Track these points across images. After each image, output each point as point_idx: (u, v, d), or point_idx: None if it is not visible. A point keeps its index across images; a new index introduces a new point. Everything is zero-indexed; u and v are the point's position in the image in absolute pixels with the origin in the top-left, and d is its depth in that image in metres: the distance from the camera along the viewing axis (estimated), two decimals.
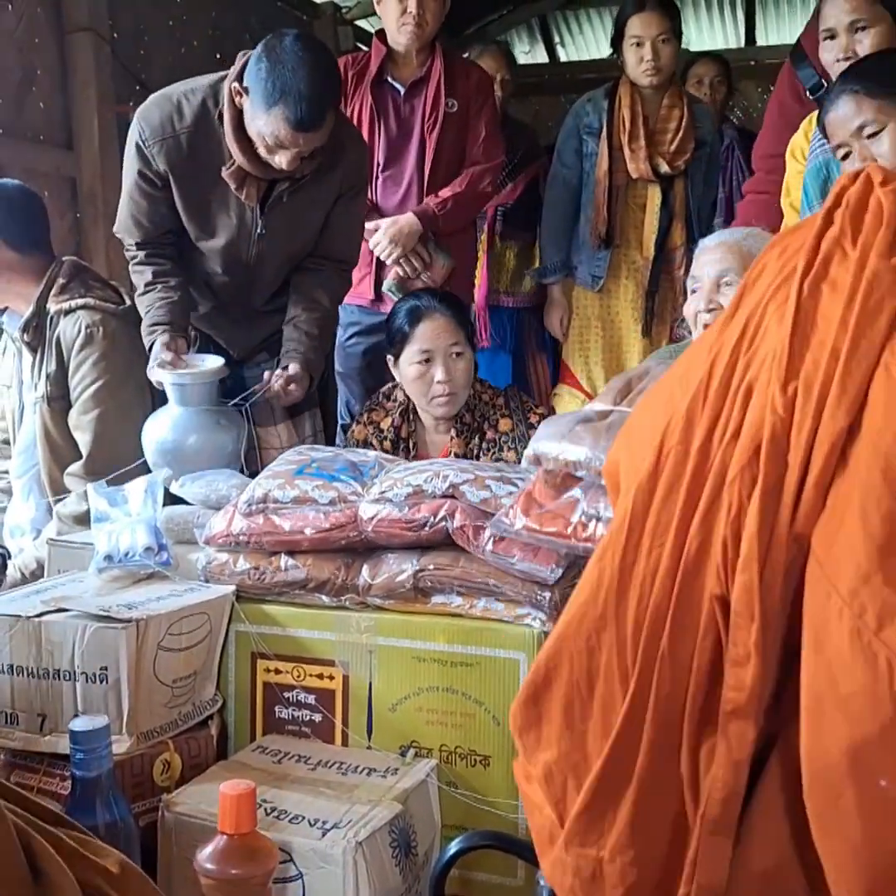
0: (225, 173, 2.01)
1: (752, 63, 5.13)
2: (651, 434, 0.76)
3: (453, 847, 0.99)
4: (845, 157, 1.70)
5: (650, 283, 3.01)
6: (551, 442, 1.15)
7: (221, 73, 2.04)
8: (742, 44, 5.60)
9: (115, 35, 3.32)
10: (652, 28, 2.88)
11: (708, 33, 5.63)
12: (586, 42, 5.84)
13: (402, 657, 1.25)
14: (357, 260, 2.40)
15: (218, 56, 3.75)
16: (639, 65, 2.90)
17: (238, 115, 1.96)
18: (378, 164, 2.72)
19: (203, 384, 1.96)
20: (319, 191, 2.13)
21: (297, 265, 2.25)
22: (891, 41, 2.09)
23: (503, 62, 3.47)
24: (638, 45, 2.89)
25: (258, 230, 2.11)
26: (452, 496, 1.27)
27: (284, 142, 1.90)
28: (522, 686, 0.79)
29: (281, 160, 1.94)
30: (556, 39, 5.86)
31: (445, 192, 2.68)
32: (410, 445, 2.11)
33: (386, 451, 2.03)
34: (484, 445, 2.05)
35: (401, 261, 2.65)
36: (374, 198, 2.74)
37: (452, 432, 2.08)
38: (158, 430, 1.95)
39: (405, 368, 2.10)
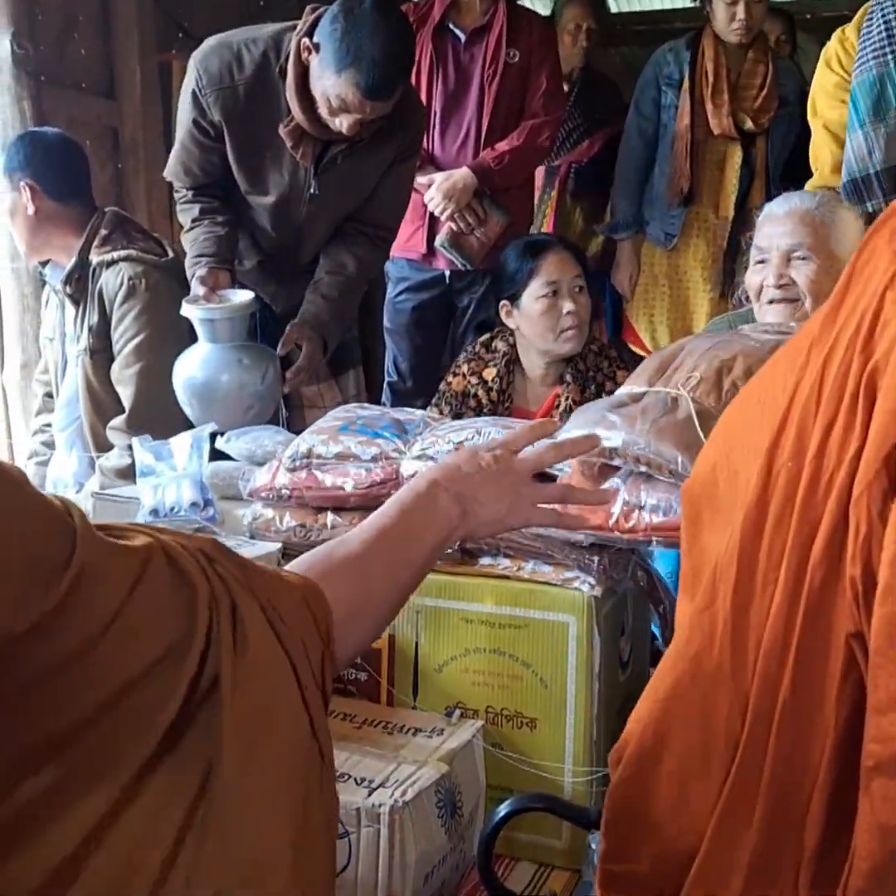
0: (282, 130, 2.04)
1: (808, 16, 5.00)
2: (753, 447, 0.70)
3: (503, 809, 1.03)
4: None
5: (729, 243, 3.00)
6: (584, 430, 1.15)
7: (285, 24, 2.06)
8: None
9: None
10: None
11: None
12: None
13: (449, 618, 1.29)
14: (397, 228, 2.43)
15: (262, 3, 3.77)
16: (731, 22, 2.90)
17: (303, 71, 1.98)
18: (435, 113, 2.74)
19: (230, 319, 1.98)
20: (374, 156, 2.16)
21: (338, 229, 2.28)
22: None
23: (590, 10, 3.44)
24: (732, 2, 2.88)
25: (310, 190, 2.15)
26: None
27: (350, 106, 1.92)
28: (619, 764, 0.72)
29: (342, 123, 1.96)
30: None
31: (502, 146, 2.70)
32: (508, 402, 2.16)
33: (491, 403, 2.11)
34: (605, 394, 2.06)
35: (455, 216, 2.67)
36: (429, 148, 2.77)
37: (568, 377, 2.11)
38: (187, 368, 1.99)
39: (529, 306, 2.12)
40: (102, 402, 2.19)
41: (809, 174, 2.67)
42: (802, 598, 0.63)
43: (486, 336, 2.26)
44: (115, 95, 3.27)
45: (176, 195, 2.27)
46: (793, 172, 3.04)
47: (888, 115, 2.05)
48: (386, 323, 2.88)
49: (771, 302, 1.69)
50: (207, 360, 1.98)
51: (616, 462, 1.13)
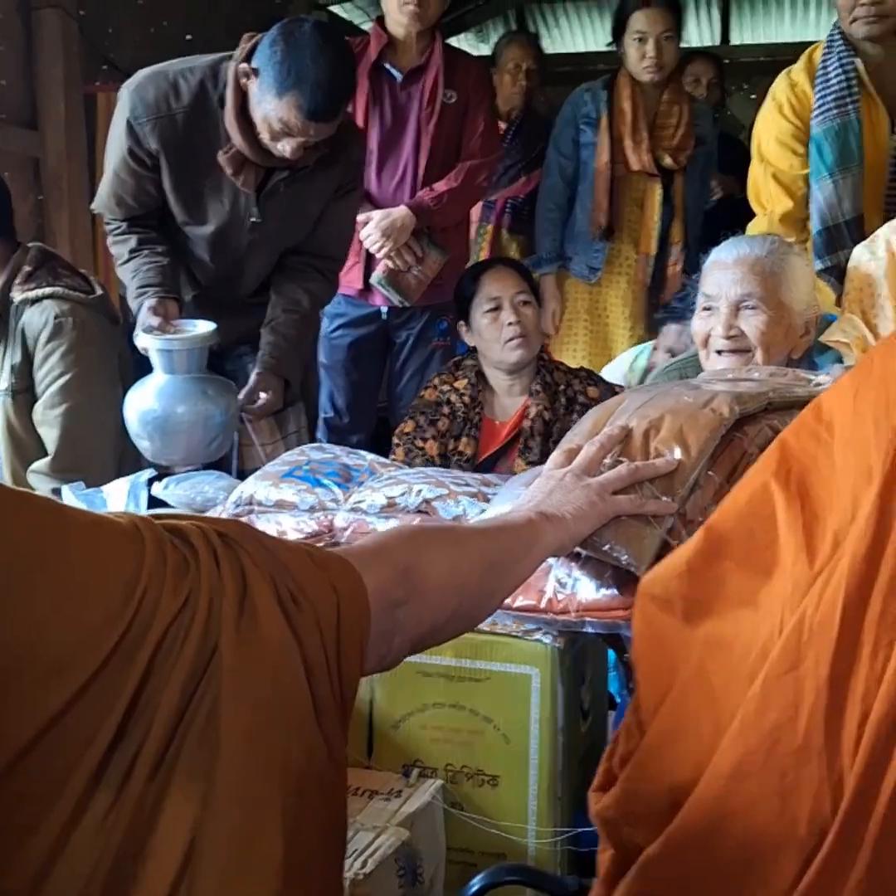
0: (222, 157, 2.01)
1: (727, 61, 5.23)
2: (850, 490, 0.62)
3: (476, 884, 0.98)
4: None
5: (653, 278, 3.07)
6: (506, 506, 1.09)
7: (222, 55, 2.04)
8: (717, 41, 5.72)
9: (82, 12, 3.30)
10: (657, 25, 2.95)
11: (683, 31, 5.71)
12: (562, 35, 5.94)
13: (405, 672, 1.23)
14: (345, 260, 2.44)
15: (188, 37, 3.73)
16: (641, 60, 2.96)
17: (242, 97, 1.96)
18: (372, 152, 2.74)
19: (192, 350, 1.95)
20: (317, 184, 2.15)
21: (283, 263, 2.25)
22: None
23: (529, 51, 3.53)
24: (641, 40, 2.95)
25: (252, 219, 2.11)
26: (425, 512, 1.29)
27: (293, 130, 1.90)
28: (663, 843, 0.62)
29: (285, 148, 1.94)
30: (533, 31, 5.92)
31: (441, 187, 2.71)
32: (479, 409, 2.23)
33: (464, 406, 2.20)
34: (577, 408, 2.15)
35: (392, 254, 2.66)
36: (367, 186, 2.75)
37: (536, 387, 2.18)
38: (142, 400, 1.93)
39: (477, 322, 2.22)
40: (23, 445, 2.10)
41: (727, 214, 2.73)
42: None
43: (457, 358, 2.35)
44: (37, 126, 3.19)
45: (107, 227, 2.20)
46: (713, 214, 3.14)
47: (852, 165, 2.10)
48: (322, 359, 2.84)
49: (719, 352, 1.66)
50: (165, 391, 1.93)
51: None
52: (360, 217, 2.66)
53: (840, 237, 2.12)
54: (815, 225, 2.16)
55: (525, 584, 1.03)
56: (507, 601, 1.09)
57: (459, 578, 0.84)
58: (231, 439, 2.02)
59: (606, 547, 1.01)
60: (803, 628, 0.59)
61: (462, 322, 2.28)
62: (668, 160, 3.03)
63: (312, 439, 2.69)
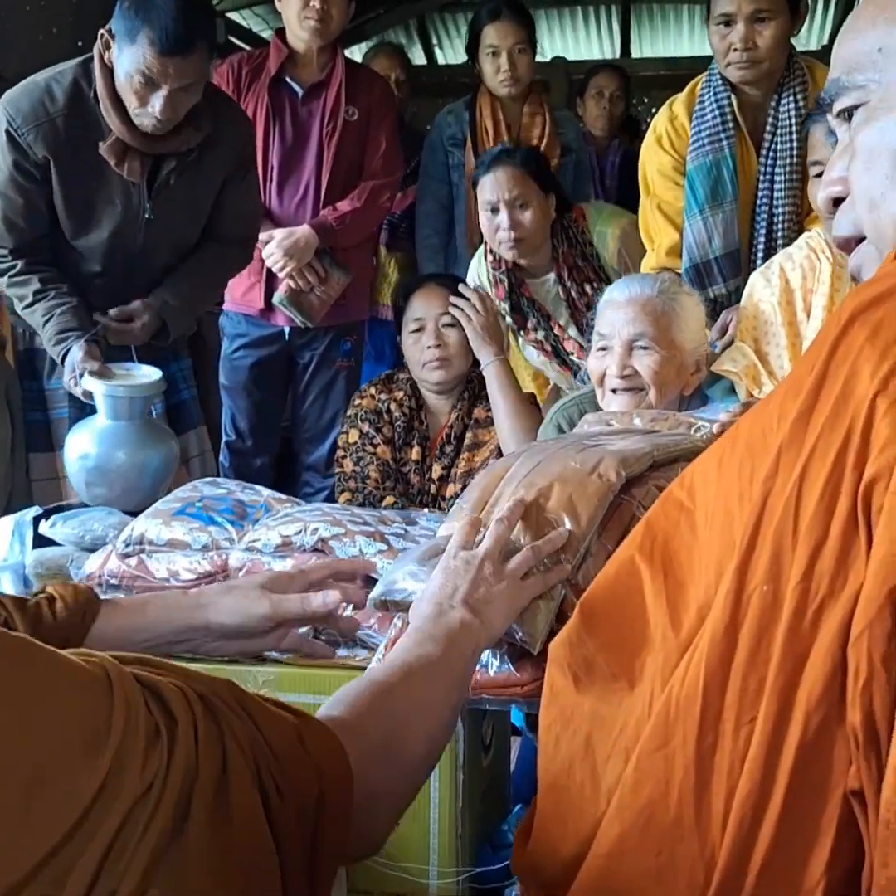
0: (103, 148, 1.99)
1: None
2: (715, 563, 0.63)
3: None
4: (819, 176, 1.72)
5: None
6: (398, 585, 1.04)
7: (89, 54, 2.02)
8: (617, 55, 5.83)
9: None
10: (508, 38, 2.93)
11: (584, 45, 5.85)
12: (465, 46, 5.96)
13: (308, 712, 1.22)
14: (257, 234, 2.44)
15: (80, 44, 3.61)
16: (496, 75, 2.96)
17: (109, 75, 1.96)
18: (272, 168, 2.71)
19: (138, 398, 1.96)
20: (206, 171, 2.14)
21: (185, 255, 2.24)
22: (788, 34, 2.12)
23: (397, 62, 3.52)
24: (494, 54, 2.94)
25: (146, 215, 2.09)
26: (321, 551, 1.28)
27: (154, 74, 1.89)
28: None
29: (155, 105, 1.91)
30: (435, 41, 5.95)
31: (344, 207, 2.69)
32: (423, 417, 2.21)
33: (404, 416, 2.18)
34: (478, 401, 2.17)
35: (294, 274, 2.63)
36: (267, 203, 2.72)
37: (465, 395, 2.18)
38: (81, 445, 1.92)
39: (404, 340, 2.22)
40: None
41: None
42: (791, 745, 0.55)
43: (388, 372, 2.33)
44: None
45: None
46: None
47: (725, 201, 2.13)
48: (222, 380, 2.79)
49: (614, 391, 1.69)
50: (106, 436, 1.93)
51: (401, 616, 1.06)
52: (263, 236, 2.63)
53: (709, 273, 2.15)
54: (684, 261, 2.19)
55: None
56: None
57: (433, 731, 0.81)
58: (167, 484, 1.99)
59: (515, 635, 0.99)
60: (671, 705, 0.60)
61: (399, 338, 2.27)
62: None
63: (216, 463, 2.65)
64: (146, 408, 2.01)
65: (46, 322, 2.03)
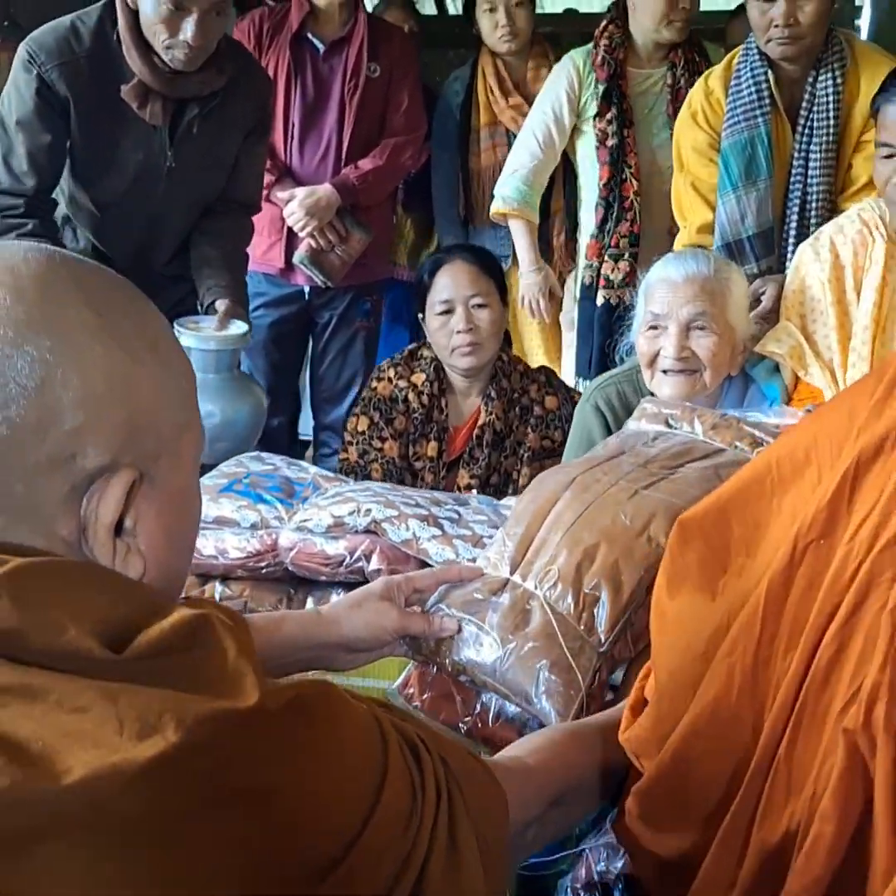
0: (126, 92, 1.98)
1: None
2: (786, 511, 0.75)
3: None
4: (889, 157, 1.66)
5: (541, 253, 2.95)
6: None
7: None
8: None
9: None
10: None
11: None
12: None
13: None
14: (261, 205, 2.41)
15: None
16: (494, 31, 2.89)
17: (134, 17, 1.95)
18: (293, 125, 2.69)
19: (228, 350, 1.99)
20: (227, 122, 2.14)
21: (197, 225, 2.23)
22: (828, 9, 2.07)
23: (409, 13, 3.45)
24: (491, 10, 2.87)
25: (168, 162, 2.08)
26: (373, 532, 1.28)
27: None
28: (641, 785, 0.81)
29: (187, 31, 1.91)
30: None
31: (366, 165, 2.68)
32: (443, 405, 2.06)
33: (423, 407, 2.02)
34: (532, 421, 2.02)
35: (315, 233, 2.62)
36: (287, 160, 2.71)
37: (492, 393, 2.02)
38: None
39: (430, 321, 2.06)
40: None
41: None
42: (809, 674, 0.69)
43: (413, 345, 2.18)
44: None
45: (0, 219, 2.05)
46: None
47: (759, 179, 2.08)
48: None
49: (666, 372, 1.64)
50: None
51: (462, 678, 1.05)
52: (283, 194, 2.63)
53: (741, 252, 2.11)
54: (716, 240, 2.14)
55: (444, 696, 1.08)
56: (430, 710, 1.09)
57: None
58: (257, 436, 2.05)
59: (535, 704, 0.99)
60: (737, 624, 0.75)
61: (420, 314, 2.11)
62: None
63: None
64: (234, 360, 2.02)
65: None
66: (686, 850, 0.78)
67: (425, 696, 1.08)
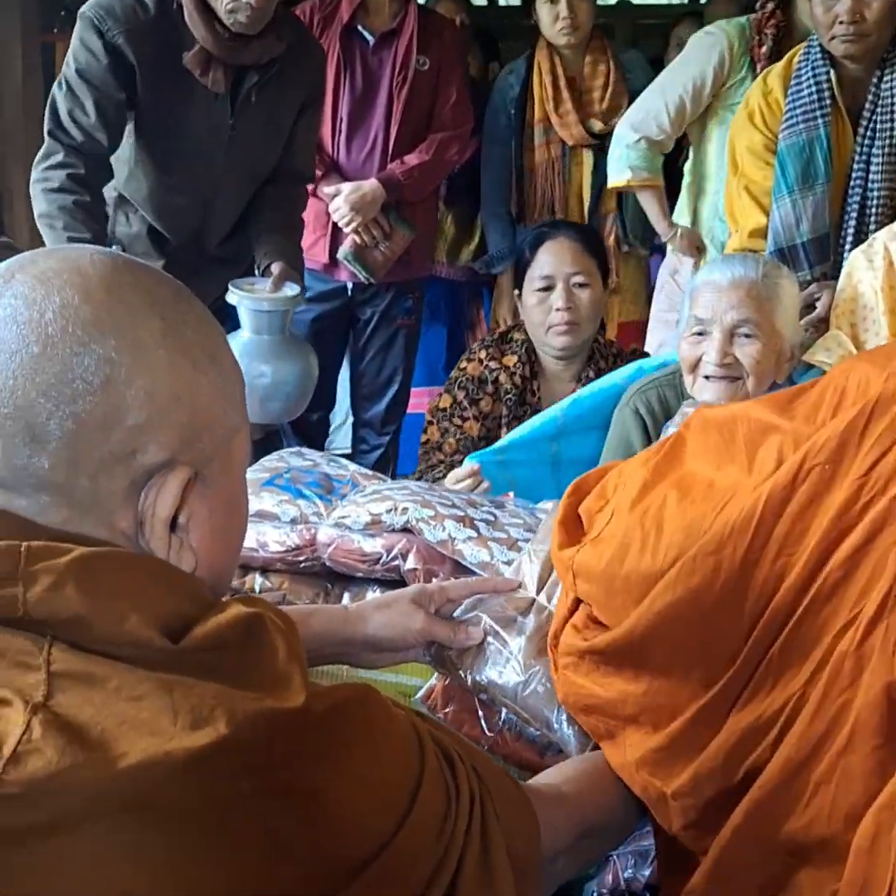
0: (188, 59, 2.01)
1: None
2: (793, 433, 0.82)
3: None
4: None
5: None
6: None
7: None
8: None
9: None
10: None
11: None
12: None
13: (387, 693, 1.23)
14: (315, 175, 2.46)
15: None
16: (554, 23, 2.82)
17: None
18: (341, 119, 2.68)
19: (280, 311, 2.01)
20: (285, 91, 2.16)
21: (253, 201, 2.26)
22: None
23: (461, 5, 3.41)
24: (552, 1, 2.81)
25: (229, 130, 2.10)
26: (410, 531, 1.27)
27: None
28: (618, 634, 0.87)
29: None
30: None
31: (412, 160, 2.66)
32: (535, 388, 2.02)
33: (515, 388, 1.99)
34: None
35: (359, 229, 2.61)
36: (335, 155, 2.70)
37: (591, 375, 1.98)
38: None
39: (528, 298, 2.01)
40: None
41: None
42: (813, 587, 0.76)
43: (504, 328, 2.15)
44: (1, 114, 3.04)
45: (43, 170, 2.04)
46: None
47: (817, 183, 2.02)
48: None
49: (708, 377, 1.61)
50: (249, 350, 1.98)
51: (483, 696, 1.04)
52: (329, 189, 2.62)
53: (795, 258, 2.05)
54: (769, 245, 2.08)
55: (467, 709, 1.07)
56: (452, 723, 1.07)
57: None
58: (308, 399, 2.10)
59: (556, 732, 0.99)
60: (727, 525, 0.81)
61: (517, 291, 2.07)
62: (599, 126, 2.89)
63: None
64: (286, 322, 2.05)
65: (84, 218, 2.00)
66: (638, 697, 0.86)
67: (448, 709, 1.07)
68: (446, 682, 1.08)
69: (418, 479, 1.88)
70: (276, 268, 2.09)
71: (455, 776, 0.68)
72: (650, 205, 2.63)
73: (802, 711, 0.76)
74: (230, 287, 2.03)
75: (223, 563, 0.70)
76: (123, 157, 2.14)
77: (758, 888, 0.79)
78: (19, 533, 0.57)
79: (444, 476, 1.79)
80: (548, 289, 1.96)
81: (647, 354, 2.15)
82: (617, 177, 2.60)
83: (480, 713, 1.05)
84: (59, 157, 2.02)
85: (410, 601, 1.03)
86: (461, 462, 1.78)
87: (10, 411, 0.58)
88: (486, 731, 1.04)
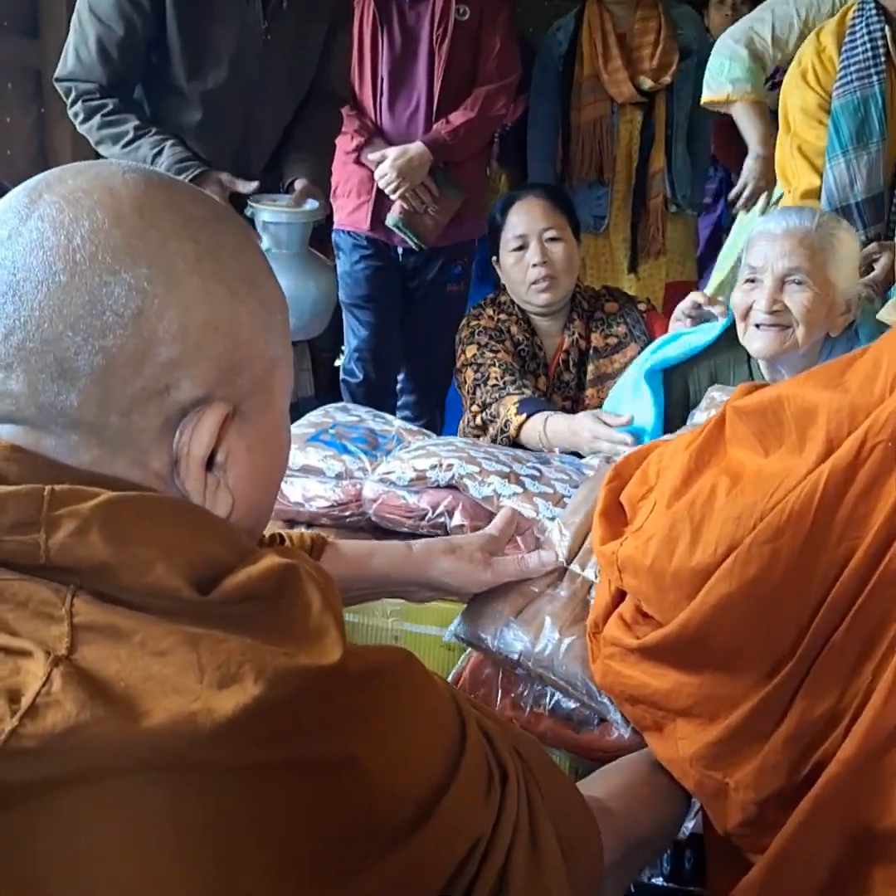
0: None
1: None
2: (849, 407, 0.78)
3: None
4: None
5: (633, 214, 2.91)
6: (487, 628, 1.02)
7: None
8: None
9: None
10: None
11: None
12: None
13: (430, 645, 1.26)
14: (349, 97, 2.45)
15: None
16: None
17: None
18: (382, 80, 2.61)
19: (299, 224, 2.02)
20: (315, 10, 2.16)
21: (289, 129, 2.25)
22: None
23: None
24: None
25: (263, 36, 2.07)
26: (455, 487, 1.28)
27: None
28: (672, 630, 0.85)
29: None
30: None
31: (457, 118, 2.58)
32: (539, 343, 2.09)
33: (525, 340, 2.06)
34: (593, 324, 2.07)
35: (407, 195, 2.56)
36: (378, 119, 2.65)
37: (574, 316, 2.06)
38: None
39: (504, 259, 2.08)
40: None
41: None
42: (878, 571, 0.74)
43: (490, 296, 2.19)
44: (39, 34, 3.04)
45: (80, 108, 2.06)
46: (693, 130, 2.93)
47: (871, 142, 1.96)
48: (342, 297, 2.72)
49: (758, 326, 1.61)
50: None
51: (519, 671, 1.03)
52: (374, 156, 2.57)
53: (849, 219, 1.96)
54: (823, 205, 2.02)
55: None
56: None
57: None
58: (327, 317, 2.10)
59: (596, 698, 0.98)
60: (784, 511, 0.78)
61: (495, 257, 2.12)
62: (649, 83, 2.83)
63: (312, 383, 2.64)
64: (306, 236, 2.05)
65: (156, 155, 2.01)
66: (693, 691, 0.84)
67: (476, 693, 1.06)
68: (473, 666, 1.08)
69: (475, 416, 1.92)
70: (299, 184, 2.10)
71: (496, 752, 0.66)
72: (754, 119, 2.36)
73: (872, 699, 0.74)
74: (249, 202, 2.02)
75: (261, 504, 0.66)
76: (162, 87, 2.10)
77: (819, 884, 0.77)
78: (43, 476, 0.55)
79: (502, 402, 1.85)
80: (522, 248, 2.02)
81: (624, 292, 2.20)
82: (716, 91, 2.40)
83: (509, 696, 1.04)
84: (73, 95, 2.06)
85: (481, 550, 1.02)
86: (510, 382, 1.87)
87: (36, 345, 0.55)
88: (514, 716, 1.03)
